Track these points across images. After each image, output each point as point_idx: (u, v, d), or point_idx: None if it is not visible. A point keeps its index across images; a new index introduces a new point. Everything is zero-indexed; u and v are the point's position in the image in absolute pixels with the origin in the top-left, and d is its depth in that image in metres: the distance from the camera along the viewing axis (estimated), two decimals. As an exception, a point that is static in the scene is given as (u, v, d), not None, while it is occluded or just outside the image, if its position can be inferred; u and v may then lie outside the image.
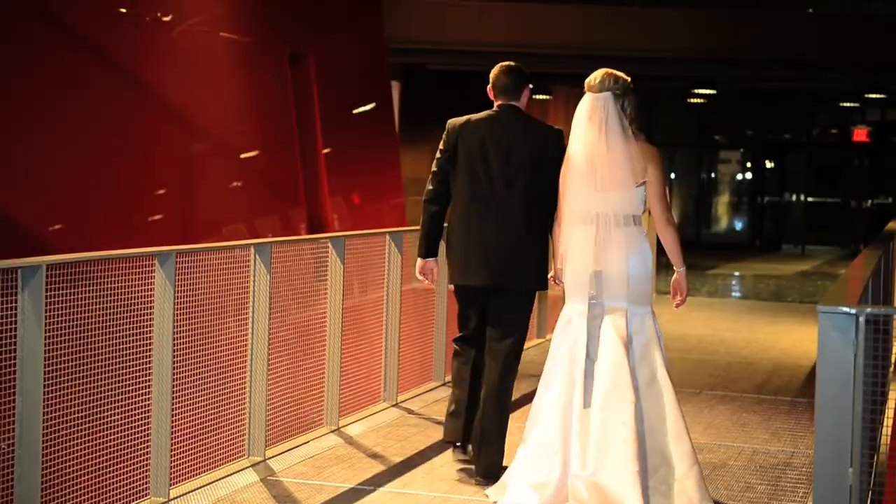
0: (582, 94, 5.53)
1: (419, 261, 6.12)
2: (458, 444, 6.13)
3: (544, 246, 5.98)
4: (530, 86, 6.20)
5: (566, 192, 5.53)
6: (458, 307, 6.14)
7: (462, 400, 6.05)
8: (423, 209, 6.09)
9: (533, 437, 5.44)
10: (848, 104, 29.23)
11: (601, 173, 5.38)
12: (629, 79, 5.54)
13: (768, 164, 30.84)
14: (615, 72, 5.51)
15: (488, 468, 5.86)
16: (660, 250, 5.66)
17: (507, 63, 6.09)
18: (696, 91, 27.71)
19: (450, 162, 5.98)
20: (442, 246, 6.23)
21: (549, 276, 5.96)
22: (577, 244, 5.47)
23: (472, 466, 6.05)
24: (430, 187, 6.03)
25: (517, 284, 5.92)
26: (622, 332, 5.36)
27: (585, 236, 5.44)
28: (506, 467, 5.74)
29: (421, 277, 6.17)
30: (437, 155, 6.05)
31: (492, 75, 6.08)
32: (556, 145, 5.87)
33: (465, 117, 6.03)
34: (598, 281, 5.39)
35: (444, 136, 6.04)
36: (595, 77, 5.48)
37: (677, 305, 5.64)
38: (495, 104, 6.05)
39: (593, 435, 5.24)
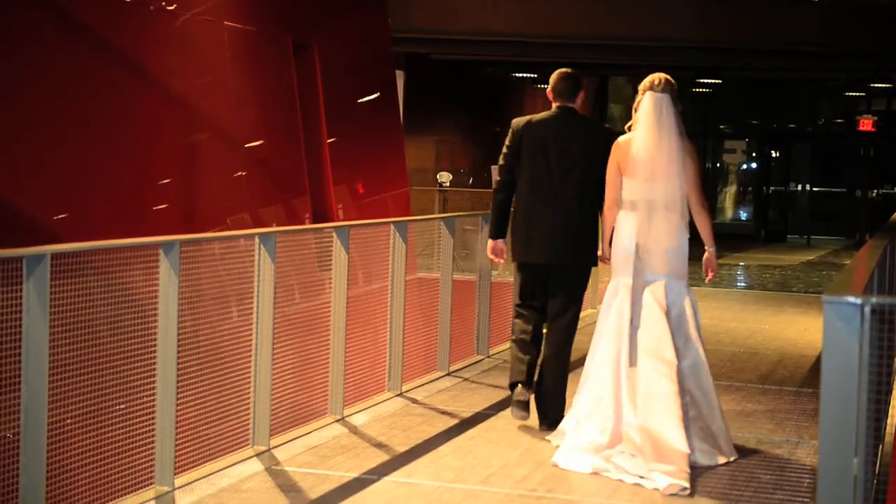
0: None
1: (490, 242, 7.00)
2: (522, 383, 6.77)
3: (595, 228, 6.86)
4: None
5: (619, 180, 6.34)
6: (520, 281, 6.92)
7: (526, 352, 6.81)
8: (493, 197, 6.95)
9: (587, 391, 6.21)
10: (853, 93, 29.17)
11: (658, 164, 6.23)
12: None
13: (773, 154, 30.79)
14: (670, 77, 6.33)
15: (553, 421, 6.68)
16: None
17: (564, 70, 6.88)
18: (701, 80, 27.67)
19: (515, 157, 6.82)
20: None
21: (598, 254, 6.82)
22: (625, 226, 6.30)
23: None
24: (498, 178, 6.88)
25: (572, 262, 6.80)
26: (662, 302, 6.18)
27: (632, 219, 6.28)
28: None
29: (492, 256, 7.05)
30: (504, 150, 6.86)
31: (551, 80, 6.88)
32: (605, 141, 6.68)
33: (527, 117, 6.87)
34: (642, 258, 6.22)
35: (509, 133, 6.86)
36: (656, 80, 6.29)
37: (708, 280, 6.60)
38: (554, 105, 6.86)
39: (640, 388, 6.02)
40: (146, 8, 10.68)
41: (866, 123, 28.80)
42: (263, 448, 6.30)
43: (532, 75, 26.21)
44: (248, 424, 6.30)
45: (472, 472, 6.00)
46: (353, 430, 6.86)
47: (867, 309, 3.26)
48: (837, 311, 3.26)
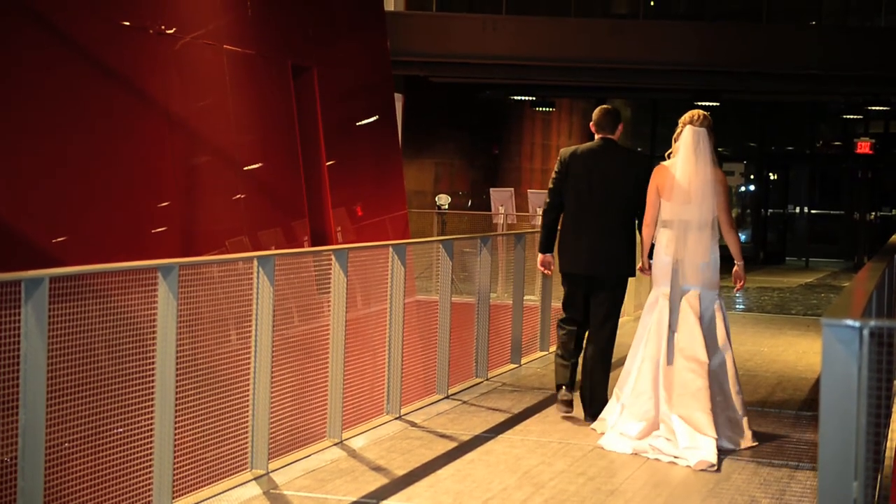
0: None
1: (539, 255, 7.98)
2: (566, 385, 7.73)
3: (633, 243, 7.78)
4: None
5: (658, 202, 7.20)
6: (565, 292, 7.86)
7: (568, 359, 7.75)
8: (542, 216, 7.96)
9: (629, 385, 7.11)
10: (851, 116, 29.23)
11: (694, 189, 7.12)
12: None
13: (772, 176, 30.82)
14: (706, 113, 7.24)
15: (594, 414, 7.60)
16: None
17: (605, 106, 7.91)
18: (700, 103, 27.71)
19: (562, 182, 7.75)
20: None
21: (637, 266, 7.65)
22: (663, 243, 7.19)
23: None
24: (548, 200, 7.84)
25: (611, 273, 7.72)
26: (696, 309, 7.08)
27: (669, 237, 7.17)
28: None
29: (541, 268, 8.07)
30: (553, 176, 7.81)
31: (594, 115, 7.85)
32: (642, 167, 7.72)
33: (573, 147, 7.84)
34: (679, 271, 7.12)
35: (557, 161, 7.82)
36: (695, 115, 7.21)
37: (737, 289, 7.53)
38: (596, 137, 7.82)
39: (676, 383, 6.94)
40: (146, 31, 10.71)
41: (864, 146, 28.84)
42: (262, 471, 6.28)
43: (531, 98, 26.26)
44: (246, 448, 6.29)
45: (470, 496, 5.98)
46: (352, 453, 6.85)
47: (866, 332, 3.26)
48: (836, 333, 3.25)
